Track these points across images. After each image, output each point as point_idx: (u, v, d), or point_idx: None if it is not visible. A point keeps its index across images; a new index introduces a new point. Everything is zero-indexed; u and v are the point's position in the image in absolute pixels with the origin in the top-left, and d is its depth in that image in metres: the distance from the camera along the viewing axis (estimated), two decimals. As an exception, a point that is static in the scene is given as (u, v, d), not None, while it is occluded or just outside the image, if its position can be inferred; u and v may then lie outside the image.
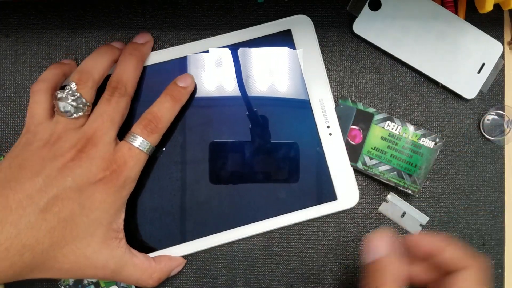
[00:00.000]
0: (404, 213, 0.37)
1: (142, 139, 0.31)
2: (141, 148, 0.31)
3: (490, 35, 0.36)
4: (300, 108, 0.35)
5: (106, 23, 0.36)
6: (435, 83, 0.37)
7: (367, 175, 0.36)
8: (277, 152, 0.35)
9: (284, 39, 0.35)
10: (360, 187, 0.36)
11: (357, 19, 0.36)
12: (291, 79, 0.35)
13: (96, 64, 0.32)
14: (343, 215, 0.37)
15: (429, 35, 0.36)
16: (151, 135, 0.32)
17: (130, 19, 0.36)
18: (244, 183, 0.35)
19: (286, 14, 0.36)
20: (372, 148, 0.35)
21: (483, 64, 0.36)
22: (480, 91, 0.36)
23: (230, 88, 0.35)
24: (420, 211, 0.37)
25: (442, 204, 0.37)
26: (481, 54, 0.36)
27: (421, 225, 0.37)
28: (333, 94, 0.36)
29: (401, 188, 0.35)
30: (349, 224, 0.37)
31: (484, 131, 0.37)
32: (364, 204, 0.37)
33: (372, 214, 0.37)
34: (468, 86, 0.36)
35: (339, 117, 0.35)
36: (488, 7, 0.32)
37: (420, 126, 0.36)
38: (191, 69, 0.35)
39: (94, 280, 0.35)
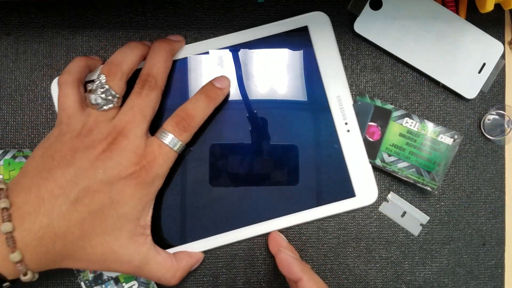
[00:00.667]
0: (404, 213, 0.37)
1: (173, 136, 0.31)
2: (171, 146, 0.31)
3: (491, 35, 0.36)
4: (317, 105, 0.35)
5: (107, 21, 0.36)
6: (436, 82, 0.37)
7: (386, 172, 0.36)
8: (295, 149, 0.35)
9: (300, 36, 0.35)
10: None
11: (358, 19, 0.36)
12: (308, 76, 0.35)
13: (125, 57, 0.32)
14: (343, 214, 0.37)
15: (430, 35, 0.36)
16: (183, 133, 0.32)
17: (131, 18, 0.36)
18: (263, 182, 0.35)
19: (286, 14, 0.36)
20: (390, 145, 0.35)
21: (484, 64, 0.36)
22: (481, 91, 0.36)
23: (249, 87, 0.35)
24: (420, 210, 0.37)
25: (442, 203, 0.37)
26: (482, 54, 0.36)
27: (421, 224, 0.37)
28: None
29: (420, 185, 0.35)
30: (349, 224, 0.37)
31: (484, 131, 0.37)
32: (365, 204, 0.37)
33: (373, 214, 0.37)
34: (469, 86, 0.36)
35: (357, 114, 0.35)
36: (489, 7, 0.32)
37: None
38: (202, 68, 0.35)
39: (114, 276, 0.35)
